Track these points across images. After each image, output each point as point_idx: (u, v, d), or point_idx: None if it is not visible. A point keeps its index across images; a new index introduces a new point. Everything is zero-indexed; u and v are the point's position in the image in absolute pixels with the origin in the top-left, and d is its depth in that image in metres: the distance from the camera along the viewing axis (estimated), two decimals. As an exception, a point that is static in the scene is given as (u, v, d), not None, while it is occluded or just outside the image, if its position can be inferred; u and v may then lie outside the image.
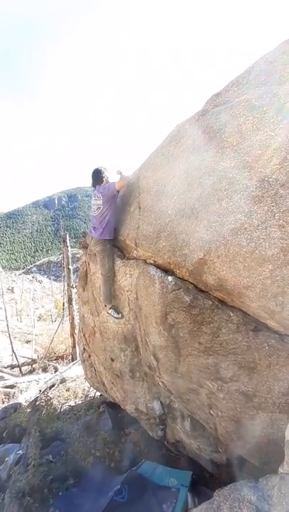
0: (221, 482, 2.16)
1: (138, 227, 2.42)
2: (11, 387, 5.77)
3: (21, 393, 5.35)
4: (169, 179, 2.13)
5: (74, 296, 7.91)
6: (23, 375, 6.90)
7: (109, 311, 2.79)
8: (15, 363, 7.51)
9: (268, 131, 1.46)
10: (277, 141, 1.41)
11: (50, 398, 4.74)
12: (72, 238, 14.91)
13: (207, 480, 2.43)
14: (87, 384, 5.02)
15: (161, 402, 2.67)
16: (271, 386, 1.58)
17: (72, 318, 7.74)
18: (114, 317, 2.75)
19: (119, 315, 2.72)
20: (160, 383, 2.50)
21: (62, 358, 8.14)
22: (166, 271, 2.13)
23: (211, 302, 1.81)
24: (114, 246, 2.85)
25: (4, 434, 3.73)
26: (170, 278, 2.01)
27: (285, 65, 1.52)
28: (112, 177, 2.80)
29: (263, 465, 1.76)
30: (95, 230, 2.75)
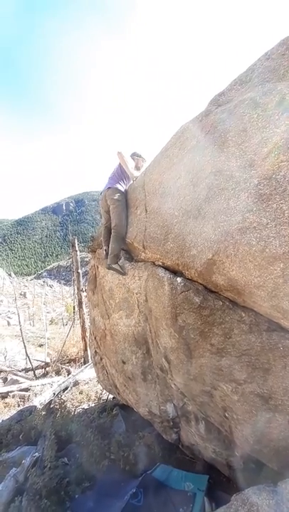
0: (239, 486, 2.12)
1: (145, 229, 2.43)
2: (26, 390, 5.89)
3: (36, 396, 5.44)
4: (175, 180, 2.13)
5: (84, 300, 8.00)
6: (37, 378, 7.02)
7: (114, 266, 2.75)
8: (29, 366, 7.68)
9: (273, 128, 1.44)
10: (283, 138, 1.38)
11: (64, 401, 4.79)
12: (80, 243, 15.13)
13: (224, 484, 2.38)
14: (99, 387, 5.05)
15: (174, 404, 2.64)
16: (288, 388, 1.54)
17: (83, 322, 7.83)
18: (120, 273, 2.76)
19: (124, 271, 2.75)
20: (173, 385, 2.49)
21: (74, 361, 8.23)
22: (174, 272, 2.12)
23: (221, 303, 1.78)
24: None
25: (20, 437, 3.79)
26: (179, 279, 2.00)
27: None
28: (141, 163, 3.12)
29: (282, 469, 1.71)
30: (110, 184, 2.87)
